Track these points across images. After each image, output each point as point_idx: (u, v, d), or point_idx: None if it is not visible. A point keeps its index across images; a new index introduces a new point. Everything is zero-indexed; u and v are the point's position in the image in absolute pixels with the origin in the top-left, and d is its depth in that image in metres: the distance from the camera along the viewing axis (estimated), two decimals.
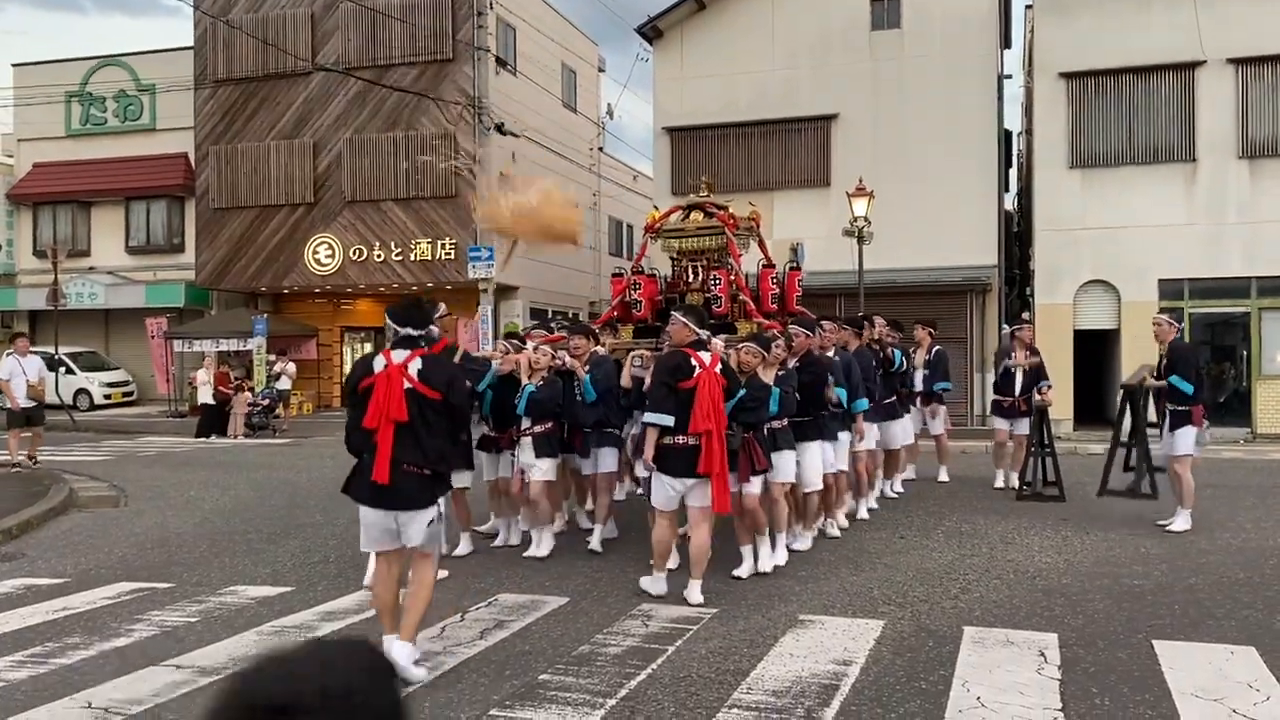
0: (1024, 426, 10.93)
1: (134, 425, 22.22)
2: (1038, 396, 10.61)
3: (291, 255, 24.82)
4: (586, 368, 8.09)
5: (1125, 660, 5.24)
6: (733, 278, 8.98)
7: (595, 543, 8.10)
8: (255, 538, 9.08)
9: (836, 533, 8.66)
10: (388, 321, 5.33)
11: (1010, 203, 24.39)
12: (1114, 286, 18.79)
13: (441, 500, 5.18)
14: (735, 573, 7.06)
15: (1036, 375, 10.90)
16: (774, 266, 9.58)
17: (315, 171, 24.59)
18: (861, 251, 17.87)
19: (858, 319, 10.08)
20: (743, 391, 6.88)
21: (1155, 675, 4.99)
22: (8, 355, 13.94)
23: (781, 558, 7.55)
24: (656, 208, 9.80)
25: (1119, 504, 10.04)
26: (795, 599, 6.60)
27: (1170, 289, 18.34)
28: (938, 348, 11.98)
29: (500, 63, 24.30)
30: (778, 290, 9.49)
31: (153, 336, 24.98)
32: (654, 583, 6.62)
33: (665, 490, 6.52)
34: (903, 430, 10.73)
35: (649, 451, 6.58)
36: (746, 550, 7.24)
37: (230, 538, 9.10)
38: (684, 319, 6.76)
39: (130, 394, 27.00)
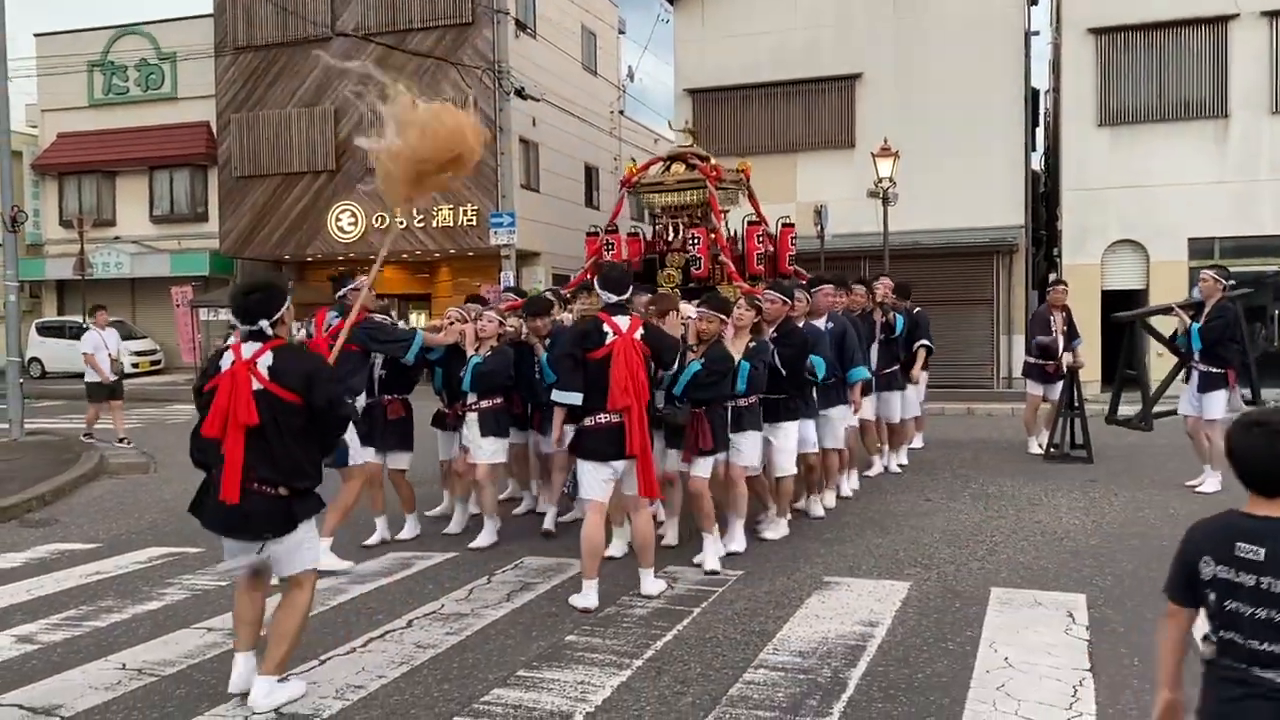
0: (1059, 391, 10.61)
1: (161, 393, 22.42)
2: (1069, 357, 10.50)
3: (315, 223, 24.88)
4: (546, 343, 7.24)
5: (1154, 620, 5.16)
6: (713, 236, 8.23)
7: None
8: None
9: (820, 512, 7.86)
10: (232, 315, 4.45)
11: (1037, 162, 24.07)
12: (1142, 246, 18.56)
13: (305, 525, 4.34)
14: (696, 559, 6.42)
15: (1071, 335, 10.78)
16: (763, 223, 8.73)
17: (337, 139, 24.56)
18: (886, 213, 17.71)
19: (844, 278, 8.87)
20: (698, 365, 6.16)
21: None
22: (89, 329, 13.86)
23: (740, 545, 6.77)
24: (634, 160, 9.15)
25: (1148, 465, 9.99)
26: (820, 561, 6.60)
27: (1200, 248, 18.09)
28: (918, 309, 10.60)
29: (520, 26, 24.12)
30: (770, 249, 8.68)
31: (178, 305, 25.14)
32: (582, 596, 5.63)
33: (595, 478, 5.65)
34: (903, 401, 9.90)
35: (556, 432, 6.02)
36: (709, 538, 6.41)
37: None
38: (594, 279, 6.06)
39: (157, 362, 27.25)
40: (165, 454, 12.31)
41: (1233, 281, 9.01)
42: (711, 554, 6.37)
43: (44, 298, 29.58)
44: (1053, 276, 17.51)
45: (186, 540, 7.70)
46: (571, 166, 27.20)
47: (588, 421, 5.64)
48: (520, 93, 22.96)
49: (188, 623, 5.54)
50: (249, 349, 4.29)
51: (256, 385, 4.20)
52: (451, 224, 23.70)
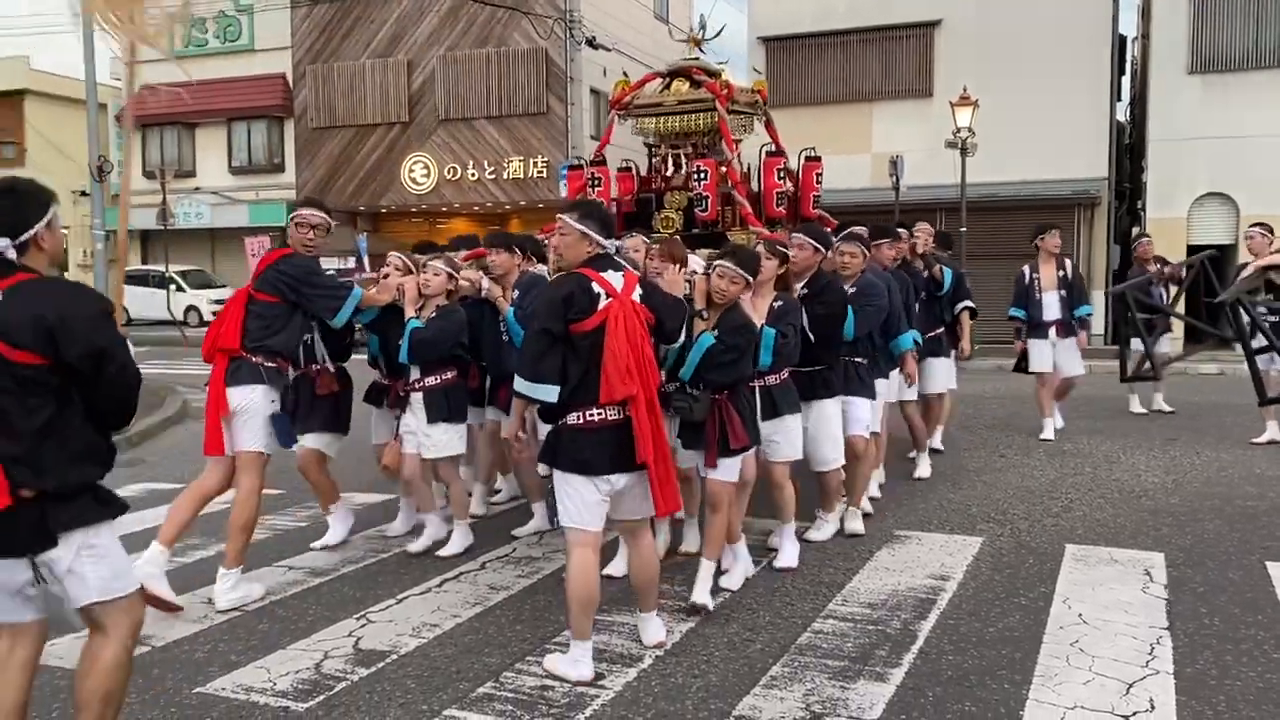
0: (1162, 345, 9.75)
1: None
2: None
3: (388, 174, 25.16)
4: (513, 295, 5.75)
5: (1237, 581, 5.09)
6: (724, 170, 6.61)
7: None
8: (359, 447, 9.32)
9: (859, 527, 6.12)
10: None
11: (1122, 113, 23.31)
12: (1232, 199, 17.94)
13: (78, 536, 2.92)
14: (724, 583, 5.07)
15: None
16: (784, 155, 6.88)
17: (410, 90, 24.72)
18: (964, 164, 17.33)
19: (889, 227, 7.16)
20: (710, 339, 4.62)
21: (1269, 596, 4.84)
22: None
23: (792, 560, 5.43)
24: (626, 75, 7.49)
25: (1233, 425, 9.72)
26: (890, 515, 6.55)
27: None
28: (1068, 260, 9.33)
29: None
30: (790, 188, 6.93)
31: (252, 255, 25.62)
32: (571, 662, 4.01)
33: (584, 499, 3.94)
34: (945, 371, 8.13)
35: (515, 425, 4.32)
36: (739, 550, 5.21)
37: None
38: (576, 222, 4.07)
39: None
40: None
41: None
42: (745, 566, 5.21)
43: (128, 247, 30.41)
44: (1135, 230, 17.04)
45: (267, 482, 7.89)
46: None
47: (572, 419, 3.95)
48: (591, 42, 22.79)
49: (269, 561, 5.73)
50: None
51: None
52: (522, 176, 23.80)
